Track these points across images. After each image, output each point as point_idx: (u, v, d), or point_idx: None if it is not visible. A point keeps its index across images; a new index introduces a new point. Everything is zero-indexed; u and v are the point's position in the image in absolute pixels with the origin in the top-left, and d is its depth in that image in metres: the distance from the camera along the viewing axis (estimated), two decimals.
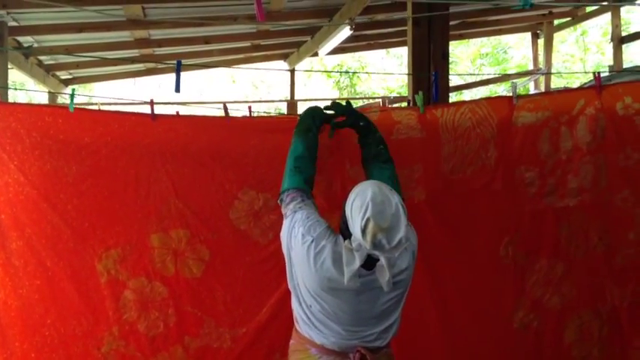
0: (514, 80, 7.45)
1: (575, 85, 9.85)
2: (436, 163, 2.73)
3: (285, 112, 8.56)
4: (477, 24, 7.16)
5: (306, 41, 6.93)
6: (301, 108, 8.32)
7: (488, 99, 2.88)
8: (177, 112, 2.78)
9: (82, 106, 2.73)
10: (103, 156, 2.55)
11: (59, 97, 6.85)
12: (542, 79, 7.64)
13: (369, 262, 1.86)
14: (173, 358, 2.63)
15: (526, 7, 2.41)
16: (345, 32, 5.61)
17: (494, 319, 2.78)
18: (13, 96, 10.80)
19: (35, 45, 5.54)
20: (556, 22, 7.75)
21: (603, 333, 2.86)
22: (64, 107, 2.56)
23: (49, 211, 2.53)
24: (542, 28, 7.77)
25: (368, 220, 1.80)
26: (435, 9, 3.13)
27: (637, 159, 2.84)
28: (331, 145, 2.60)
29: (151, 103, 2.59)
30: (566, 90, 2.82)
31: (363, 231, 1.80)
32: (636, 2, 6.50)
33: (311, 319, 2.03)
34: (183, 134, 2.60)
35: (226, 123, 2.69)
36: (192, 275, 2.62)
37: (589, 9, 7.22)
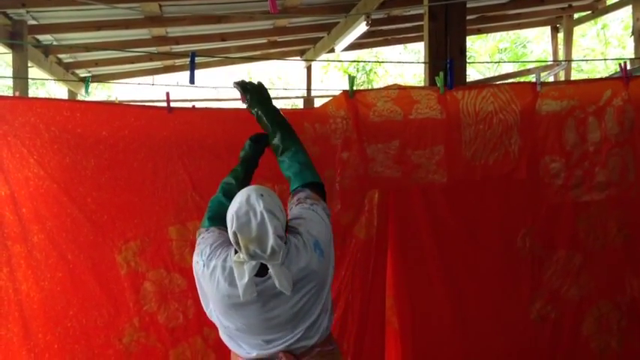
0: (538, 68, 7.34)
1: None
2: (457, 147, 2.70)
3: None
4: (496, 18, 7.09)
5: (322, 37, 6.93)
6: (318, 104, 8.31)
7: (511, 84, 2.83)
8: (194, 106, 2.81)
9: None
10: (120, 149, 2.59)
11: (78, 95, 6.93)
12: (562, 73, 7.54)
13: (262, 269, 1.83)
14: (193, 349, 2.67)
15: None
16: (362, 28, 5.60)
17: (510, 311, 2.76)
18: (34, 94, 10.96)
19: (54, 43, 5.61)
20: (576, 15, 7.63)
21: (622, 324, 2.83)
22: (81, 102, 2.60)
23: (69, 204, 2.58)
24: (561, 21, 7.66)
25: (235, 233, 1.80)
26: (451, 2, 3.11)
27: None
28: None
29: (167, 95, 2.61)
30: (592, 80, 2.79)
31: (237, 244, 1.81)
32: None
33: (232, 337, 2.01)
34: (199, 127, 2.63)
35: (241, 115, 2.71)
36: None
37: (609, 2, 7.11)
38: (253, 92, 2.35)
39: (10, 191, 2.54)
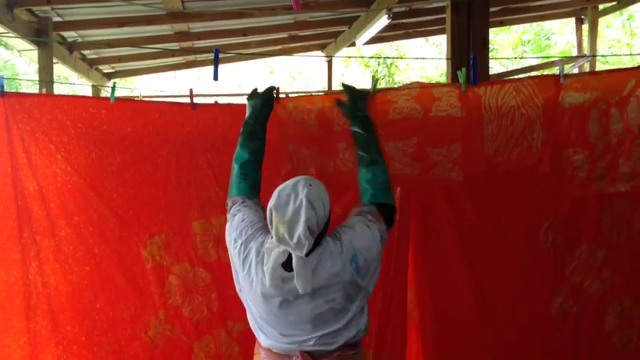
0: (560, 61, 7.24)
1: None
2: (478, 144, 2.67)
3: None
4: (519, 10, 7.01)
5: (343, 31, 6.91)
6: None
7: (533, 78, 2.80)
8: (216, 102, 2.84)
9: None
10: (145, 145, 2.63)
11: (102, 91, 7.01)
12: (586, 65, 7.42)
13: (291, 265, 1.82)
14: (217, 342, 2.71)
15: None
16: (383, 21, 5.57)
17: (532, 305, 2.74)
18: (58, 90, 11.12)
19: (79, 40, 5.69)
20: (601, 6, 7.50)
21: None
22: (107, 99, 2.65)
23: (96, 199, 2.63)
24: (586, 13, 7.52)
25: (271, 210, 1.82)
26: None
27: None
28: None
29: (191, 92, 2.65)
30: (615, 70, 2.72)
31: (270, 222, 1.82)
32: None
33: (256, 322, 2.01)
34: (222, 123, 2.65)
35: None
36: None
37: None
38: (359, 97, 2.35)
39: (39, 187, 2.60)
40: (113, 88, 2.66)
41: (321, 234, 1.86)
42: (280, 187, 1.86)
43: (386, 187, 2.15)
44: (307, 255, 1.80)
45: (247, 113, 2.34)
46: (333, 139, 2.66)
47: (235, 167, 2.20)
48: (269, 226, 1.86)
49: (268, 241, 1.89)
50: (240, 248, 1.96)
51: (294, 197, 1.81)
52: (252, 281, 1.92)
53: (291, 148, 2.65)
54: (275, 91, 2.45)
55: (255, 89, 2.40)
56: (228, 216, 2.11)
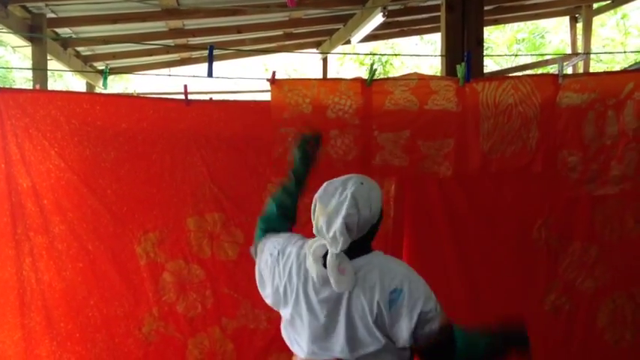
0: (560, 59, 7.24)
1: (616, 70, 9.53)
2: (473, 140, 2.68)
3: None
4: (513, 8, 7.01)
5: (338, 29, 6.90)
6: None
7: (532, 76, 2.80)
8: (211, 98, 2.84)
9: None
10: (139, 141, 2.63)
11: (96, 88, 6.99)
12: (580, 64, 7.44)
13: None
14: (211, 339, 2.71)
15: None
16: (378, 19, 5.57)
17: (525, 302, 2.76)
18: (52, 87, 11.10)
19: (73, 36, 5.66)
20: (595, 5, 7.51)
21: (637, 317, 2.82)
22: (101, 95, 2.64)
23: (90, 195, 2.62)
24: (580, 11, 7.54)
25: (315, 200, 1.79)
26: None
27: None
28: None
29: (185, 88, 2.64)
30: (615, 72, 2.74)
31: (313, 212, 1.80)
32: None
33: (287, 335, 1.91)
34: (217, 119, 2.66)
35: (258, 107, 2.73)
36: (228, 258, 2.67)
37: None
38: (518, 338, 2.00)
39: (32, 183, 2.59)
40: (106, 72, 2.65)
41: (363, 238, 1.79)
42: (331, 180, 1.82)
43: (471, 349, 1.85)
44: (350, 257, 1.73)
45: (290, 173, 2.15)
46: (326, 125, 2.66)
47: (260, 222, 2.08)
48: (312, 217, 1.81)
49: (309, 241, 1.82)
50: (279, 257, 1.89)
51: (340, 191, 1.76)
52: (293, 289, 1.84)
53: (283, 131, 2.64)
54: (319, 139, 2.16)
55: (304, 136, 2.15)
56: (256, 258, 2.01)
